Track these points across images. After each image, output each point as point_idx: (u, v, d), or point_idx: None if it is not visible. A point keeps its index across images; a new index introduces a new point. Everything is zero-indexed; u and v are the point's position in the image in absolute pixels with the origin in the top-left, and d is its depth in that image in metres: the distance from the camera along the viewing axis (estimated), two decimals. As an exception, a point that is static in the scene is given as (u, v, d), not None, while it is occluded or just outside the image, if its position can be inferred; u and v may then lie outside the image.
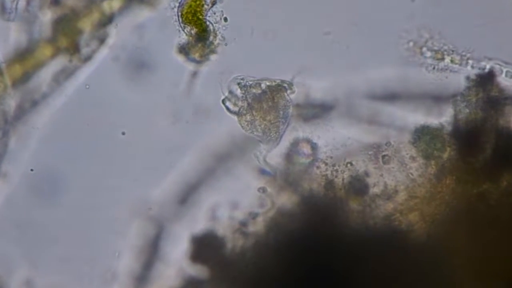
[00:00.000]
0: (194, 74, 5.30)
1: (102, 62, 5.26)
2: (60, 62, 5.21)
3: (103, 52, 5.24)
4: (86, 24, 5.14)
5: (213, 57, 5.30)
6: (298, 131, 5.29)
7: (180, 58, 5.30)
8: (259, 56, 5.29)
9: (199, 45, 5.22)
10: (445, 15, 5.22)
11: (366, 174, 5.22)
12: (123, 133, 5.11)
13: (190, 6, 5.15)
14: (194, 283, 5.13)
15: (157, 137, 5.30)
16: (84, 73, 5.26)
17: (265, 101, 5.24)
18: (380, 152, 5.23)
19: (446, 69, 5.29)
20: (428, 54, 5.29)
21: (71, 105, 5.28)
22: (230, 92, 5.26)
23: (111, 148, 5.31)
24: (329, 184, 5.21)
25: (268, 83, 5.25)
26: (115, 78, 5.30)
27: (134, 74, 5.31)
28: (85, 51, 5.22)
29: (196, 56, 5.26)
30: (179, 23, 5.20)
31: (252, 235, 5.19)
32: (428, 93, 5.26)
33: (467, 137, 5.11)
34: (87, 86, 5.14)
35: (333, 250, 5.05)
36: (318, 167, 5.24)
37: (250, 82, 5.25)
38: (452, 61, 5.24)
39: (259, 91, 5.25)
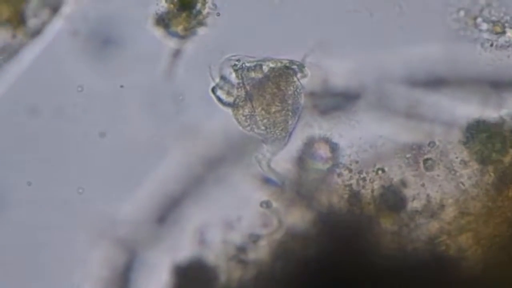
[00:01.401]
0: (176, 53, 5.13)
1: (56, 37, 5.14)
2: (0, 37, 5.12)
3: (57, 25, 5.12)
4: (34, -12, 5.15)
5: (201, 30, 5.12)
6: (312, 127, 5.10)
7: (158, 32, 5.14)
8: (261, 29, 5.11)
9: (183, 15, 5.11)
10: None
11: (403, 183, 5.05)
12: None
13: (171, -36, 5.19)
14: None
15: (128, 134, 5.16)
16: (32, 51, 5.13)
17: (269, 89, 5.06)
18: (421, 155, 5.05)
19: (508, 46, 5.10)
20: (484, 26, 5.12)
21: (16, 93, 5.18)
22: (223, 77, 5.09)
23: (70, 150, 5.18)
24: (355, 197, 5.05)
25: (272, 65, 5.06)
26: (74, 58, 5.16)
27: (98, 53, 5.18)
28: (32, 23, 5.10)
29: (179, 29, 5.11)
30: (157, -15, 5.19)
31: (253, 264, 5.06)
32: (484, 77, 5.10)
33: (535, 135, 5.08)
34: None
35: (359, 284, 4.93)
36: (339, 175, 5.07)
37: (249, 64, 5.07)
38: (515, 35, 5.22)
39: (261, 76, 5.06)
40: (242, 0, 5.14)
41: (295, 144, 5.12)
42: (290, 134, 5.10)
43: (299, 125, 5.12)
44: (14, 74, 5.14)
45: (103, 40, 5.18)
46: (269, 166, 5.10)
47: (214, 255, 5.09)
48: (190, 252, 5.10)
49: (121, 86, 5.05)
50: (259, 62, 5.08)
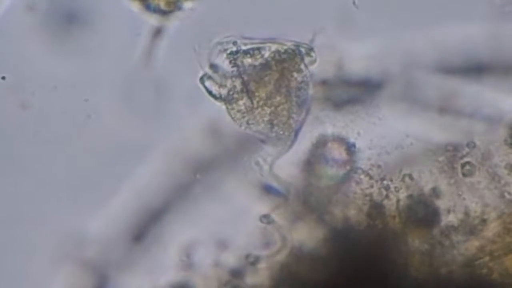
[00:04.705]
0: (157, 32, 4.91)
1: (7, 12, 4.91)
2: None
3: (8, -2, 5.19)
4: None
5: (187, 4, 4.88)
6: (324, 124, 4.86)
7: (135, 7, 4.90)
8: (261, 4, 4.87)
9: (166, -15, 5.26)
10: None
11: (436, 193, 4.78)
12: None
13: None
14: None
15: (98, 133, 4.90)
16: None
17: (270, 77, 4.84)
18: (458, 159, 4.81)
19: None
20: (537, 0, 5.18)
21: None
22: (213, 64, 4.85)
23: (26, 151, 4.90)
24: (376, 209, 4.79)
25: (274, 48, 4.84)
26: (30, 38, 4.89)
27: (60, 32, 4.90)
28: (-23, -5, 5.18)
29: (161, 3, 4.93)
30: None
31: (250, 291, 5.11)
32: (536, 64, 5.18)
33: None
34: None
35: (383, 315, 4.95)
36: (358, 183, 4.83)
37: (246, 47, 4.85)
38: None
39: (260, 61, 4.84)
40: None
41: (303, 144, 4.87)
42: (297, 132, 4.87)
43: (307, 121, 4.86)
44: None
45: (66, 16, 4.92)
46: (270, 171, 4.84)
47: (203, 281, 4.84)
48: (173, 277, 4.86)
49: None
50: (258, 45, 4.86)
